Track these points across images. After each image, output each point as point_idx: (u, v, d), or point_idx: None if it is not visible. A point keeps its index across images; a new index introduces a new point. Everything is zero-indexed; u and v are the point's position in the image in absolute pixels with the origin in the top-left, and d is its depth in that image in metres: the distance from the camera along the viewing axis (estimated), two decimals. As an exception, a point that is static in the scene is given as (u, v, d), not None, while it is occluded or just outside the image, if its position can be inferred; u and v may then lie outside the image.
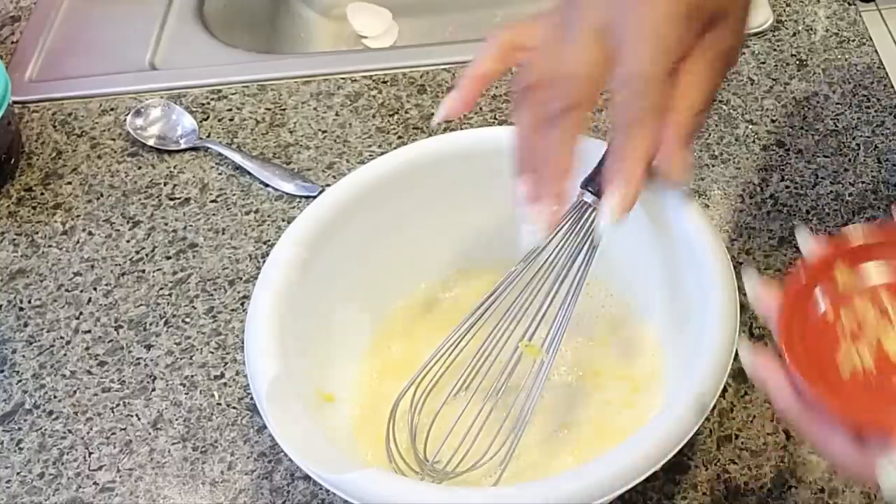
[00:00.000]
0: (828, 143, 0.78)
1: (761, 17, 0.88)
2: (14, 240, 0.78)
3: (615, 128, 0.51)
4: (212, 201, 0.78)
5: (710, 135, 0.79)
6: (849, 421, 0.43)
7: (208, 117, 0.86)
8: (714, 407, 0.51)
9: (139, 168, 0.82)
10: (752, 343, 0.59)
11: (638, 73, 0.49)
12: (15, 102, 0.87)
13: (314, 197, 0.74)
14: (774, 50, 0.86)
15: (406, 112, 0.84)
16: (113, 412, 0.67)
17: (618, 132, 0.51)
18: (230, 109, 0.87)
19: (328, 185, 0.69)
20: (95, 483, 0.63)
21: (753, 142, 0.78)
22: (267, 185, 0.79)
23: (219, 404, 0.66)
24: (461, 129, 0.81)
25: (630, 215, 0.60)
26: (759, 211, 0.73)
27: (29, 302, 0.74)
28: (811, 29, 0.87)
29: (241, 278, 0.73)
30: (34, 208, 0.80)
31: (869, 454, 0.42)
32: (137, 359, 0.69)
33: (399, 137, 0.82)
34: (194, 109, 0.87)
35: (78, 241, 0.77)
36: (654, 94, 0.50)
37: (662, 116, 0.50)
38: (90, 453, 0.65)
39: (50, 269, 0.76)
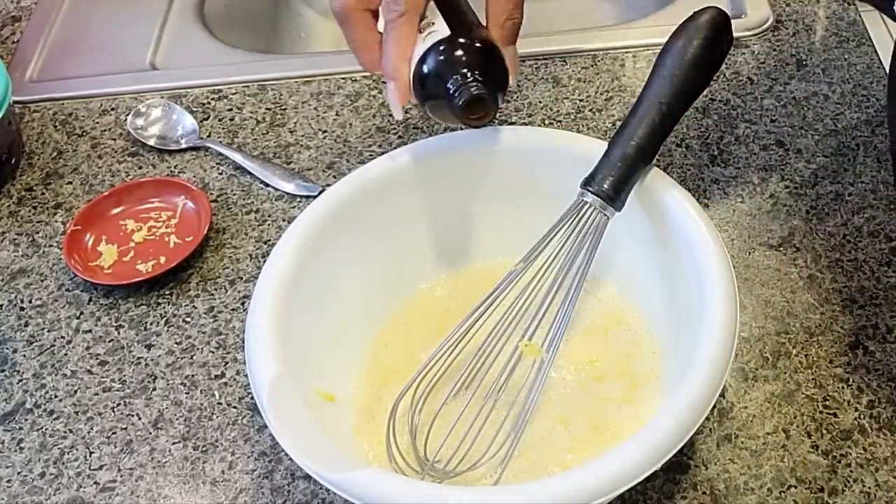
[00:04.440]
0: (828, 143, 0.78)
1: (761, 17, 0.88)
2: (15, 239, 0.78)
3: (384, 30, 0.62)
4: (212, 201, 0.79)
5: (710, 135, 0.79)
6: None
7: (209, 117, 0.86)
8: (714, 407, 0.51)
9: (140, 168, 0.83)
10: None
11: None
12: (15, 102, 0.87)
13: (314, 197, 0.74)
14: (774, 50, 0.86)
15: (406, 112, 0.84)
16: (113, 412, 0.67)
17: (384, 33, 0.62)
18: (230, 109, 0.87)
19: (328, 185, 0.69)
20: (96, 483, 0.63)
21: (753, 142, 0.78)
22: (267, 185, 0.79)
23: (219, 404, 0.66)
24: (461, 129, 0.81)
25: (630, 215, 0.60)
26: (758, 211, 0.74)
27: (30, 302, 0.74)
28: (811, 29, 0.87)
29: (241, 278, 0.73)
30: (35, 208, 0.80)
31: None
32: (138, 358, 0.69)
33: (399, 137, 0.82)
34: (195, 109, 0.87)
35: (78, 241, 0.77)
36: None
37: (413, 15, 0.61)
38: (91, 453, 0.65)
39: (50, 269, 0.76)
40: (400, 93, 0.62)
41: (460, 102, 0.59)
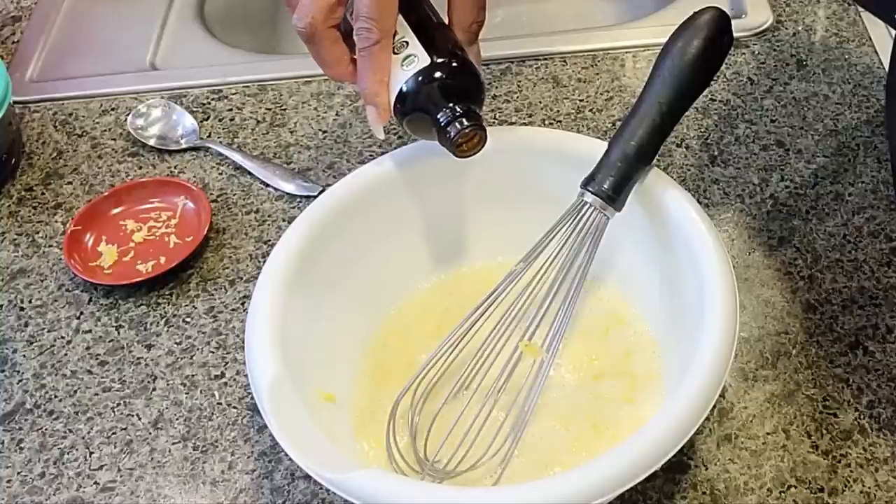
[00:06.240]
0: (828, 143, 0.78)
1: (761, 17, 0.88)
2: (15, 240, 0.78)
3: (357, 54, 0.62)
4: (212, 201, 0.79)
5: (710, 135, 0.79)
6: None
7: (209, 117, 0.86)
8: (714, 407, 0.51)
9: (140, 168, 0.83)
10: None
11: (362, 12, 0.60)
12: (16, 102, 0.87)
13: (314, 197, 0.74)
14: (774, 50, 0.86)
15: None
16: (113, 412, 0.67)
17: (358, 58, 0.62)
18: (231, 109, 0.87)
19: (328, 185, 0.69)
20: (96, 483, 0.63)
21: (753, 142, 0.78)
22: (267, 185, 0.80)
23: (219, 404, 0.66)
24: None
25: (630, 215, 0.60)
26: (759, 211, 0.74)
27: (29, 302, 0.74)
28: (811, 29, 0.87)
29: (241, 278, 0.73)
30: (35, 208, 0.80)
31: None
32: (138, 358, 0.69)
33: (399, 138, 0.82)
34: (195, 109, 0.87)
35: (78, 241, 0.77)
36: (379, 25, 0.60)
37: (388, 40, 0.61)
38: (91, 453, 0.65)
39: (50, 269, 0.76)
40: (381, 116, 0.63)
41: (453, 136, 0.60)
